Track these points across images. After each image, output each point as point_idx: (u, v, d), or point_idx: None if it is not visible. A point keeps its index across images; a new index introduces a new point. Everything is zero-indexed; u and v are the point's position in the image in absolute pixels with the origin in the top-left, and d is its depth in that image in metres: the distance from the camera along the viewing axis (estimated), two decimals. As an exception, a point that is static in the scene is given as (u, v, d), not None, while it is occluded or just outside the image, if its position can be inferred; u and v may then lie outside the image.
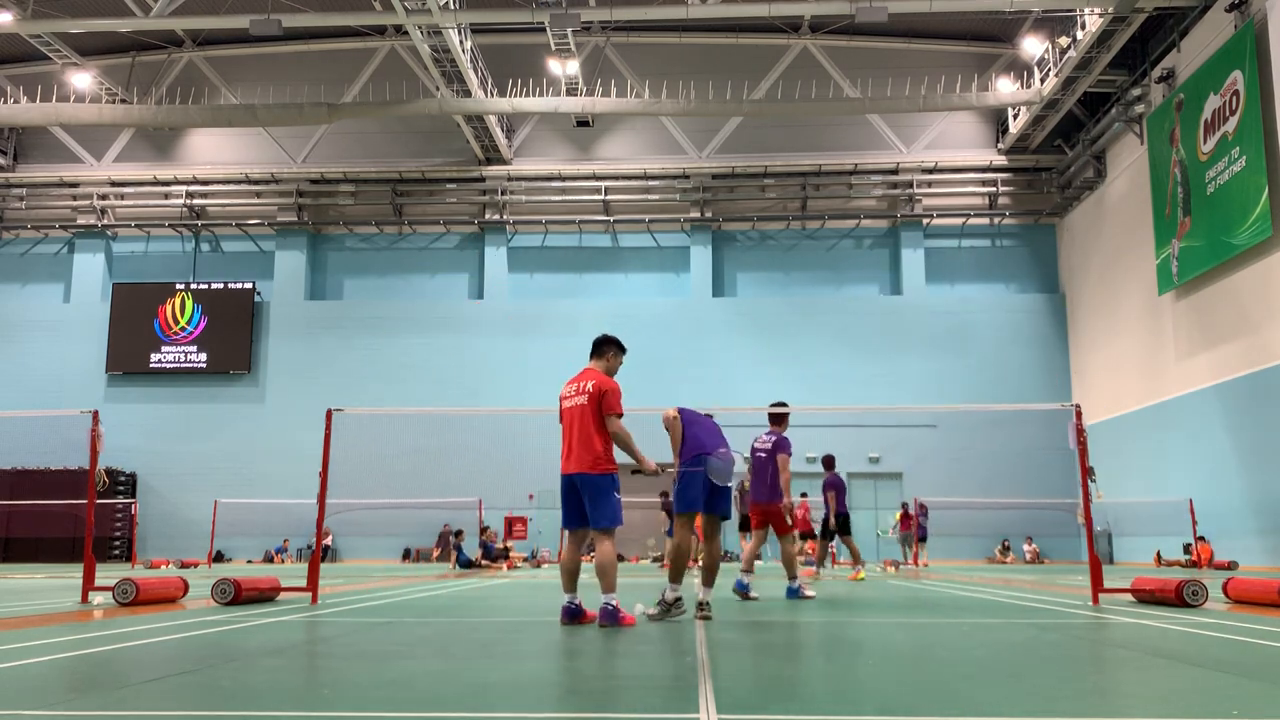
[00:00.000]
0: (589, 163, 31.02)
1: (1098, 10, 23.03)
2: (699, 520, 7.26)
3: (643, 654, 4.97)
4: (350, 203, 31.55)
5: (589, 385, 6.66)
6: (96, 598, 8.89)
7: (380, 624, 6.68)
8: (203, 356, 30.55)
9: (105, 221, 31.74)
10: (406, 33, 25.19)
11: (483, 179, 31.13)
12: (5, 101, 28.43)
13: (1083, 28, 24.19)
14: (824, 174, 30.76)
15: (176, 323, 30.73)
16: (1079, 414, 9.03)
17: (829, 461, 14.82)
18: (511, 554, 23.36)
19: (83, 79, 29.67)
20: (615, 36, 30.44)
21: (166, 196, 31.73)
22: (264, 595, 8.88)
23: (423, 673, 4.19)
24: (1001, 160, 30.40)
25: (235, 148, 31.80)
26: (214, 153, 31.92)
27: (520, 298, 30.80)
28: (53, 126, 31.04)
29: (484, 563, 22.13)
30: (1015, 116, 28.97)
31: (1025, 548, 27.84)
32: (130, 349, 30.61)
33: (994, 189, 30.42)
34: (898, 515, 24.84)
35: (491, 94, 27.69)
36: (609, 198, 30.97)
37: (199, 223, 31.75)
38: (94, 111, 27.38)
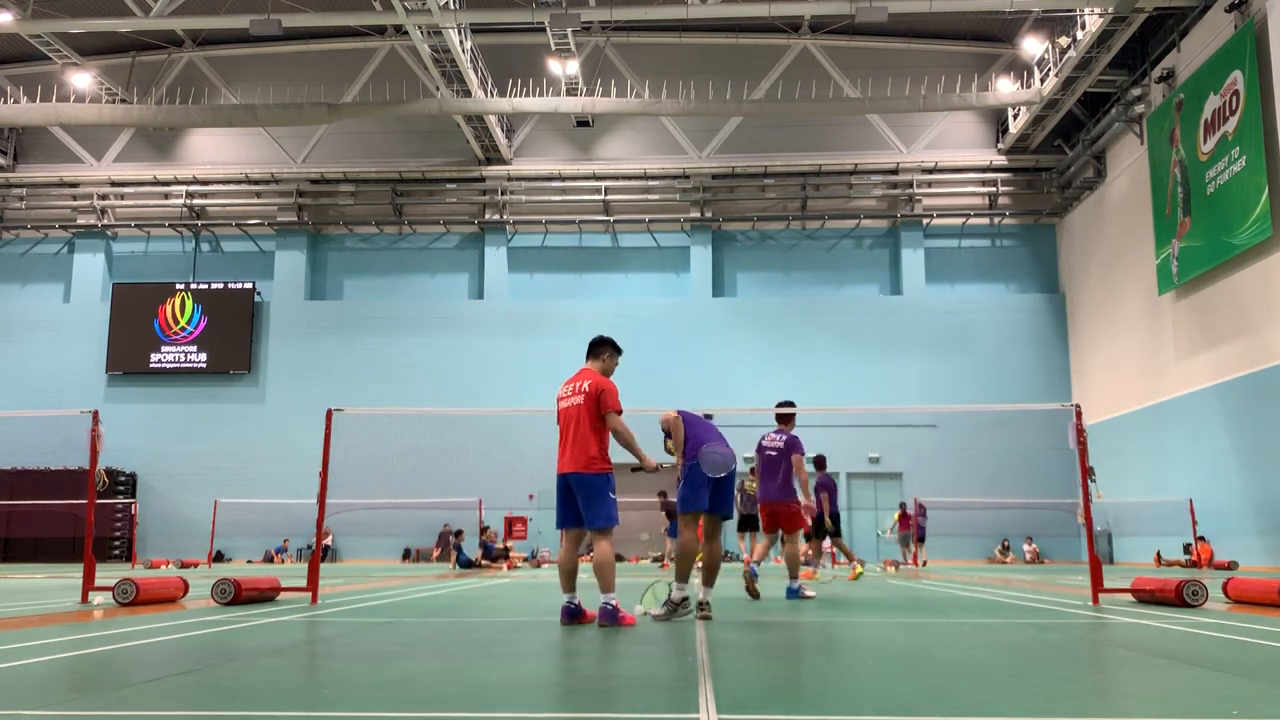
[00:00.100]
0: (589, 163, 31.02)
1: (1098, 10, 23.03)
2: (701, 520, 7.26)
3: (643, 654, 4.97)
4: (350, 203, 31.55)
5: (585, 385, 6.68)
6: (96, 598, 8.89)
7: (380, 624, 6.68)
8: (203, 356, 30.55)
9: (105, 221, 31.74)
10: (406, 33, 25.19)
11: (483, 179, 31.13)
12: (5, 101, 28.43)
13: (1083, 28, 24.19)
14: (824, 174, 30.76)
15: (176, 323, 30.73)
16: (1079, 414, 9.04)
17: (820, 462, 14.87)
18: (511, 554, 23.38)
19: (83, 79, 29.67)
20: (615, 36, 30.44)
21: (166, 196, 31.72)
22: (264, 595, 8.88)
23: (423, 673, 4.19)
24: (1001, 160, 30.40)
25: (235, 148, 31.80)
26: (214, 153, 31.92)
27: (520, 298, 30.80)
28: (53, 126, 31.04)
29: (484, 563, 22.14)
30: (1015, 116, 28.96)
31: (1025, 548, 27.84)
32: (130, 349, 30.61)
33: (994, 189, 30.42)
34: (895, 515, 24.85)
35: (491, 94, 27.69)
36: (609, 198, 30.97)
37: (199, 223, 31.75)
38: (94, 111, 27.38)
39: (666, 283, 30.81)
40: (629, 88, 28.39)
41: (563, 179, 31.10)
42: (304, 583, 9.01)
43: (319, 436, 9.18)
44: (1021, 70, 28.67)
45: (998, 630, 6.22)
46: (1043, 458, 26.62)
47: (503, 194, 31.00)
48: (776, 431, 10.08)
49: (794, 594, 9.60)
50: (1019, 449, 27.69)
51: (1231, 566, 19.99)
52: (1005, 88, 28.46)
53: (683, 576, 6.99)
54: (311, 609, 8.06)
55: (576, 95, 27.88)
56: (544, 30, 24.95)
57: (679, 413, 7.32)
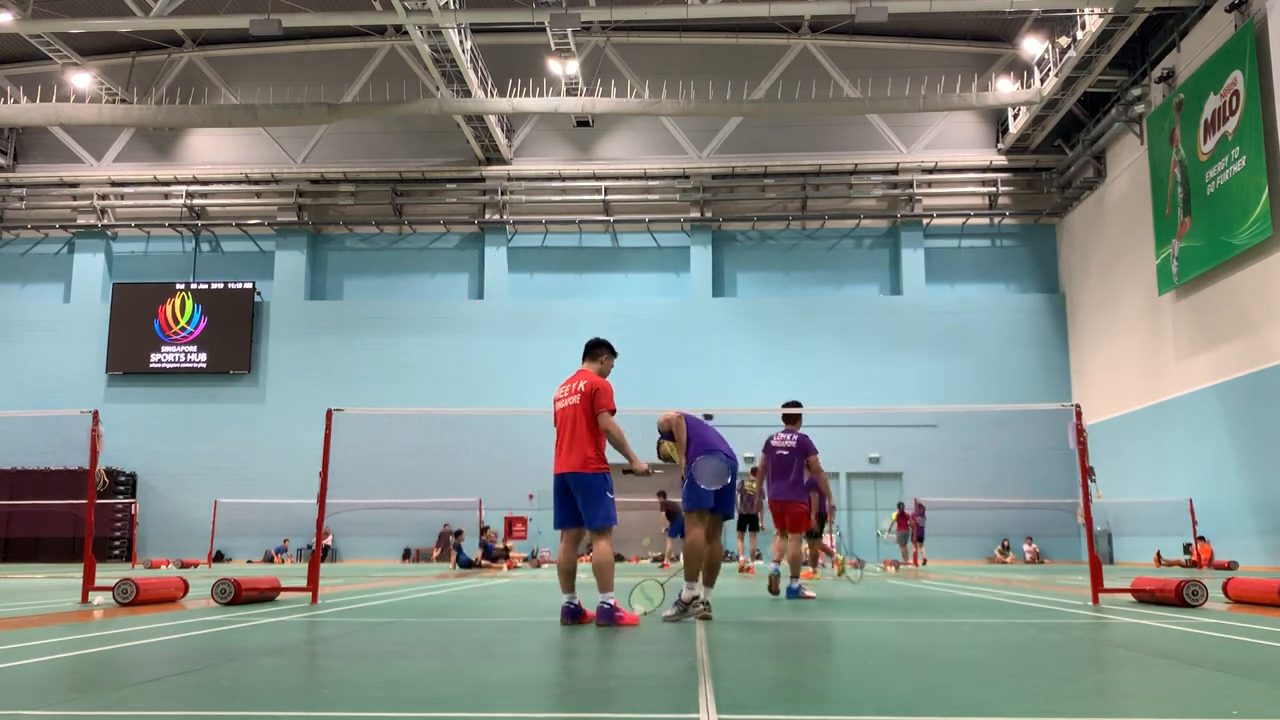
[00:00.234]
0: (589, 163, 31.02)
1: (1098, 10, 23.03)
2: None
3: (643, 654, 4.97)
4: (350, 203, 31.55)
5: (581, 385, 6.73)
6: (96, 598, 8.89)
7: (380, 624, 6.68)
8: (203, 356, 30.55)
9: (105, 221, 31.74)
10: (406, 33, 25.19)
11: (483, 179, 31.13)
12: (5, 101, 28.43)
13: (1083, 28, 24.18)
14: (824, 174, 30.75)
15: (176, 323, 30.73)
16: (1079, 414, 9.04)
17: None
18: (511, 554, 23.37)
19: (83, 79, 29.66)
20: (615, 36, 30.44)
21: (166, 196, 31.72)
22: (264, 595, 8.88)
23: (423, 673, 4.19)
24: (1001, 160, 30.40)
25: (235, 148, 31.80)
26: (214, 153, 31.92)
27: (520, 298, 30.80)
28: (53, 126, 31.04)
29: (484, 563, 22.13)
30: (1015, 116, 28.96)
31: (1025, 548, 27.83)
32: (130, 349, 30.61)
33: (994, 189, 30.42)
34: (894, 515, 24.85)
35: (491, 94, 27.69)
36: (609, 198, 30.97)
37: (199, 223, 31.75)
38: (94, 111, 27.38)
39: (666, 283, 30.81)
40: (629, 88, 28.39)
41: (563, 179, 31.10)
42: (304, 583, 9.01)
43: (319, 436, 9.18)
44: (1021, 70, 28.67)
45: (998, 630, 6.22)
46: (1043, 458, 26.61)
47: (503, 194, 31.01)
48: (785, 431, 10.13)
49: (794, 594, 9.61)
50: (1019, 449, 27.69)
51: (1231, 566, 19.99)
52: (1005, 88, 28.46)
53: (693, 575, 6.98)
54: (311, 609, 8.06)
55: (576, 95, 27.88)
56: (544, 30, 24.95)
57: (681, 414, 7.35)
